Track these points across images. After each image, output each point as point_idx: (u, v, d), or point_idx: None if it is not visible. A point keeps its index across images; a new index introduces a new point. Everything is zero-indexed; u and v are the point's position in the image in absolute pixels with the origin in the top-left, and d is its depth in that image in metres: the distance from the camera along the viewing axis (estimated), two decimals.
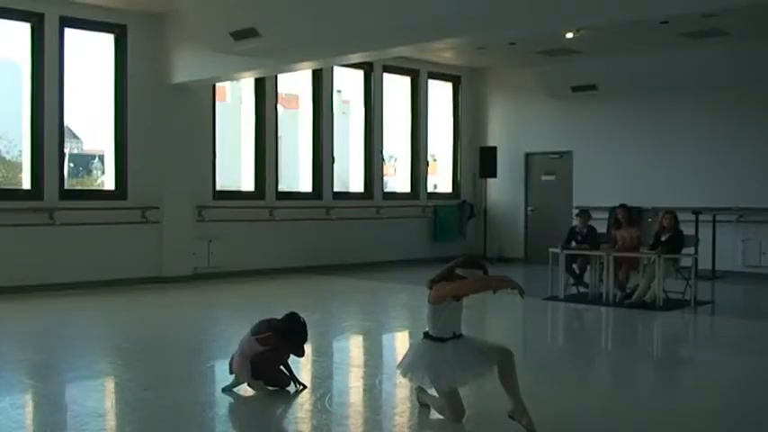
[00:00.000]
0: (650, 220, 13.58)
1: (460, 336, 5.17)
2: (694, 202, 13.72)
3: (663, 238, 10.61)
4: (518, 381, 4.99)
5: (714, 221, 13.48)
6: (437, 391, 5.18)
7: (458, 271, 5.16)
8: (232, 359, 6.06)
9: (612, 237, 11.15)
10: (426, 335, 5.21)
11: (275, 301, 11.28)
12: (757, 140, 13.78)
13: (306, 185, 15.12)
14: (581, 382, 6.97)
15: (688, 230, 11.44)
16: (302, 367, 7.26)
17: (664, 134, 14.78)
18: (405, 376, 5.38)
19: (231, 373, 6.02)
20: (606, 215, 13.72)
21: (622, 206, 11.41)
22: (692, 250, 10.78)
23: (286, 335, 6.00)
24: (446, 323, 5.13)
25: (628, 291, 10.88)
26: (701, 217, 13.25)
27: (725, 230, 13.64)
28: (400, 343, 8.88)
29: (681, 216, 11.06)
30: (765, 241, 13.60)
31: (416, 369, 5.18)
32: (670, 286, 10.61)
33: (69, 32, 12.00)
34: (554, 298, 11.14)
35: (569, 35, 12.39)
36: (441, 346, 5.11)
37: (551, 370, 7.10)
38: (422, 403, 5.46)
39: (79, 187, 13.25)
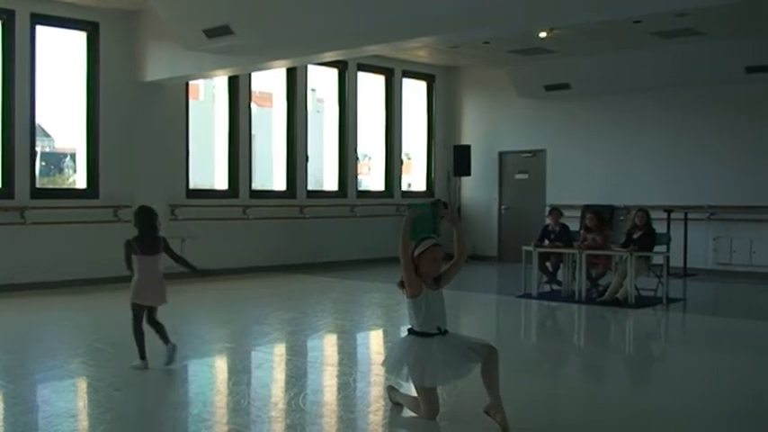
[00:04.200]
0: (622, 218, 13.69)
1: (446, 332, 5.16)
2: (666, 200, 13.85)
3: (635, 237, 10.68)
4: (499, 378, 5.01)
5: (686, 219, 13.61)
6: (416, 388, 5.17)
7: (416, 252, 5.15)
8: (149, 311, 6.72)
9: (582, 236, 11.18)
10: (411, 330, 5.20)
11: (248, 301, 11.26)
12: (728, 139, 13.92)
13: (280, 184, 15.10)
14: (553, 380, 7.01)
15: (660, 228, 11.53)
16: (276, 366, 7.27)
17: (636, 133, 14.90)
18: (390, 373, 5.38)
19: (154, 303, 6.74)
20: (579, 213, 13.81)
21: (593, 212, 11.42)
22: (663, 248, 10.87)
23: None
24: (428, 316, 5.10)
25: (600, 288, 10.95)
26: (672, 215, 13.37)
27: (696, 228, 13.76)
28: (374, 342, 8.88)
29: (653, 214, 11.15)
30: (736, 239, 13.74)
31: (402, 365, 5.16)
32: (642, 284, 10.69)
33: (41, 30, 11.90)
34: (527, 296, 11.19)
35: (543, 35, 12.46)
36: (426, 342, 5.09)
37: (524, 367, 7.13)
38: (394, 402, 5.46)
39: (51, 186, 13.14)
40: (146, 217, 6.78)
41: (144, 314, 6.75)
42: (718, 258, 13.94)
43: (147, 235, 6.74)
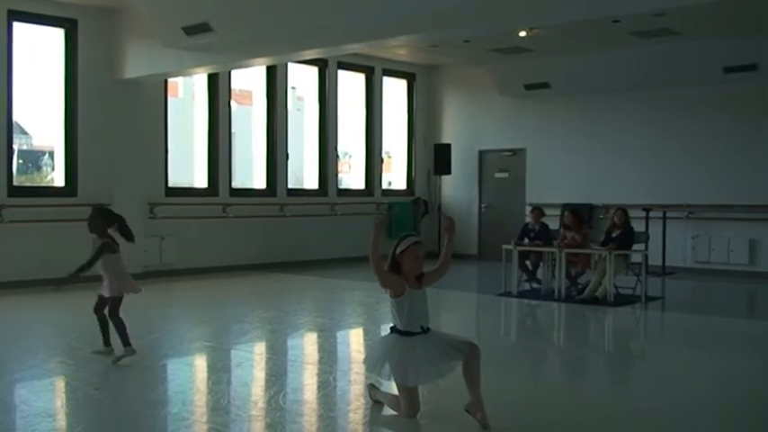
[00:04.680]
0: (602, 217, 13.75)
1: (428, 330, 5.16)
2: (645, 199, 13.92)
3: (614, 235, 10.73)
4: (480, 376, 5.01)
5: (664, 218, 13.68)
6: (398, 386, 5.16)
7: (397, 250, 5.15)
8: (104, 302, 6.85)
9: (561, 235, 11.23)
10: (394, 329, 5.19)
11: (228, 299, 11.22)
12: (707, 138, 14.01)
13: (260, 182, 15.06)
14: (534, 378, 7.04)
15: (639, 227, 11.59)
16: (256, 364, 7.25)
17: (615, 132, 14.98)
18: (372, 371, 5.37)
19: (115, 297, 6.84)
20: (559, 212, 13.85)
21: (571, 211, 11.47)
22: (642, 246, 10.93)
23: (108, 222, 7.08)
24: (411, 315, 5.09)
25: (579, 286, 10.99)
26: (651, 214, 13.44)
27: (675, 227, 13.84)
28: (355, 340, 8.88)
29: (631, 213, 11.20)
30: (714, 238, 13.83)
31: (383, 364, 5.14)
32: (621, 282, 10.75)
33: (18, 26, 11.80)
34: (507, 294, 11.22)
35: (522, 34, 12.49)
36: (409, 341, 5.08)
37: (505, 365, 7.15)
38: (374, 400, 5.46)
39: (28, 184, 13.02)
40: (112, 216, 7.16)
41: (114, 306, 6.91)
42: (697, 257, 14.03)
43: (116, 232, 7.07)
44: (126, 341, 6.77)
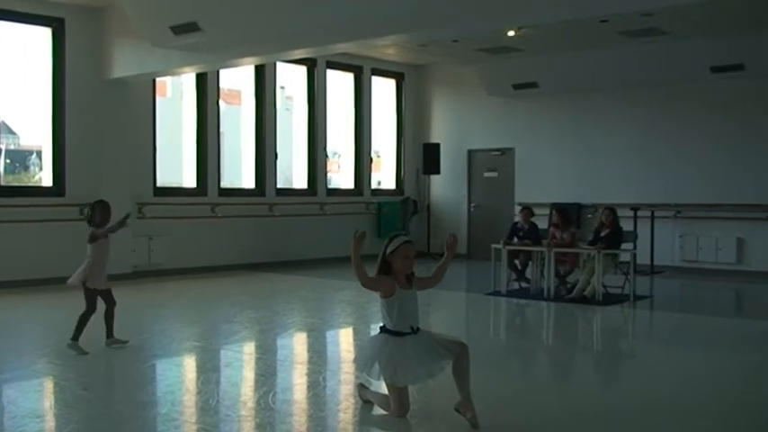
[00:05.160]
0: (590, 216, 13.77)
1: (418, 330, 5.17)
2: (633, 198, 13.97)
3: (602, 234, 10.76)
4: (470, 375, 5.02)
5: (652, 217, 13.72)
6: (388, 386, 5.16)
7: (388, 249, 5.15)
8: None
9: (551, 234, 11.27)
10: (383, 329, 5.19)
11: (217, 299, 11.20)
12: (695, 138, 14.06)
13: (249, 182, 15.03)
14: (523, 377, 7.05)
15: (627, 226, 11.62)
16: (245, 364, 7.24)
17: (603, 131, 15.02)
18: (362, 371, 5.37)
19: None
20: (548, 211, 13.88)
21: (559, 210, 11.50)
22: (630, 246, 10.96)
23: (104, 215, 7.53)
24: (401, 316, 5.10)
25: (568, 286, 11.02)
26: (639, 213, 13.48)
27: (663, 226, 13.89)
28: (344, 340, 8.87)
29: (620, 212, 11.23)
30: (702, 237, 13.88)
31: (373, 363, 5.15)
32: (609, 281, 10.78)
33: (4, 25, 11.75)
34: (496, 293, 11.24)
35: (511, 33, 12.50)
36: (399, 341, 5.08)
37: (494, 364, 7.16)
38: (364, 400, 5.46)
39: (16, 184, 12.97)
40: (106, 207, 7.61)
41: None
42: (685, 256, 14.07)
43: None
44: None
